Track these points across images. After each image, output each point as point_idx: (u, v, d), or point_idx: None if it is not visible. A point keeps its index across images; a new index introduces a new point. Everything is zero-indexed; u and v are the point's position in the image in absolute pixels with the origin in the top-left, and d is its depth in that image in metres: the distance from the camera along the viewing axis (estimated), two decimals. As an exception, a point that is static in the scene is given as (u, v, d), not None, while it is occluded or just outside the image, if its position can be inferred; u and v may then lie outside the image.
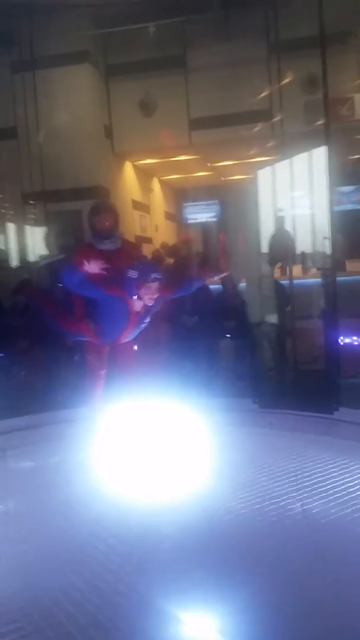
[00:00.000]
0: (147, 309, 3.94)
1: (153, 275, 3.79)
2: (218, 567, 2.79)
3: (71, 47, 8.17)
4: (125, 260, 4.21)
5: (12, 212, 7.90)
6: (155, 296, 3.81)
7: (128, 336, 4.09)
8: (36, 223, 7.57)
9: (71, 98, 8.22)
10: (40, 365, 5.94)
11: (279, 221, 6.40)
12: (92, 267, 3.67)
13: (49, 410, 4.96)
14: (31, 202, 7.44)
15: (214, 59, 8.31)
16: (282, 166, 5.86)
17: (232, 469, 3.90)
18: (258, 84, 8.04)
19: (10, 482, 4.04)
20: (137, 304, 3.85)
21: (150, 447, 4.06)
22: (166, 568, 2.77)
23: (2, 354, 5.97)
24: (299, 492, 3.51)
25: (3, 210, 7.75)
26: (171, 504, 3.44)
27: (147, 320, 4.03)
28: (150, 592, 2.56)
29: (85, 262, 3.66)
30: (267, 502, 3.40)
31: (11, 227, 7.91)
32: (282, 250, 6.19)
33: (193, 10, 8.02)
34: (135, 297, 3.81)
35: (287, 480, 3.69)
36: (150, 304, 3.86)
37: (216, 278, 4.53)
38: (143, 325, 4.04)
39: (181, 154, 9.99)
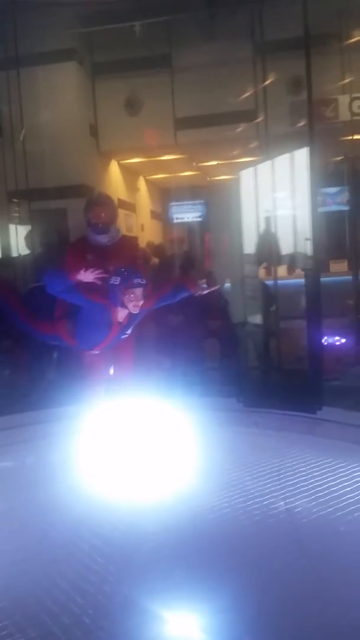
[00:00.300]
0: (130, 320, 3.83)
1: (136, 280, 3.68)
2: (202, 566, 2.80)
3: (56, 44, 8.10)
4: (121, 256, 4.10)
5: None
6: (140, 303, 3.70)
7: (107, 346, 3.96)
8: (20, 221, 7.51)
9: (56, 96, 8.16)
10: (23, 364, 5.90)
11: (267, 222, 6.39)
12: (87, 276, 3.51)
13: (32, 410, 4.93)
14: (15, 200, 7.38)
15: (200, 59, 8.30)
16: (265, 167, 5.87)
17: (217, 468, 3.92)
18: (243, 84, 8.05)
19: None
20: (121, 313, 3.76)
21: (135, 446, 4.07)
22: (150, 568, 2.77)
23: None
24: (282, 492, 3.54)
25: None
26: (155, 504, 3.45)
27: (129, 331, 3.91)
28: (134, 592, 2.57)
29: (80, 271, 3.50)
30: (251, 502, 3.43)
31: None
32: (267, 251, 6.20)
33: (179, 9, 8.01)
34: (119, 307, 3.71)
35: (270, 479, 3.72)
36: (135, 312, 3.74)
37: (205, 292, 4.25)
38: (124, 337, 3.92)
39: (167, 154, 9.98)
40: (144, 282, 3.71)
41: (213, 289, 4.42)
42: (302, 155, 5.41)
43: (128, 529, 3.12)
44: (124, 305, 3.70)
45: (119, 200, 10.28)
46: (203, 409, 4.83)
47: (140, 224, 11.61)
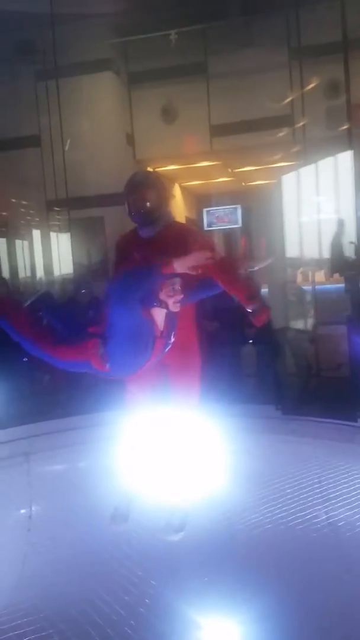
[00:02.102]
0: (169, 325, 2.89)
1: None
2: (243, 580, 2.77)
3: (93, 55, 8.25)
4: (171, 248, 3.02)
5: (37, 219, 7.98)
6: (181, 297, 2.80)
7: (150, 366, 2.93)
8: (60, 230, 7.64)
9: (93, 106, 8.29)
10: (63, 371, 5.96)
11: (339, 224, 6.19)
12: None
13: (73, 415, 4.97)
14: (56, 208, 7.49)
15: (235, 65, 8.31)
16: (307, 171, 5.82)
17: (256, 478, 3.87)
18: (280, 89, 8.01)
19: (33, 487, 4.06)
20: (160, 318, 2.83)
21: (174, 455, 4.04)
22: (190, 581, 2.76)
23: (26, 359, 6.00)
24: (324, 504, 3.47)
25: (28, 217, 7.84)
26: (194, 516, 3.42)
27: (172, 341, 2.93)
28: (175, 604, 2.56)
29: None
30: (292, 515, 3.38)
31: (36, 234, 8.02)
32: (340, 255, 5.99)
33: (214, 16, 8.04)
34: (156, 305, 2.78)
35: (311, 490, 3.65)
36: (176, 309, 2.82)
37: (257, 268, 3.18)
38: (167, 348, 2.94)
39: (202, 160, 10.00)
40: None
41: (265, 263, 3.28)
42: (343, 159, 5.34)
43: (168, 542, 3.10)
44: (162, 305, 2.78)
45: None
46: (240, 416, 4.77)
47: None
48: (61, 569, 2.94)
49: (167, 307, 2.77)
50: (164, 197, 3.24)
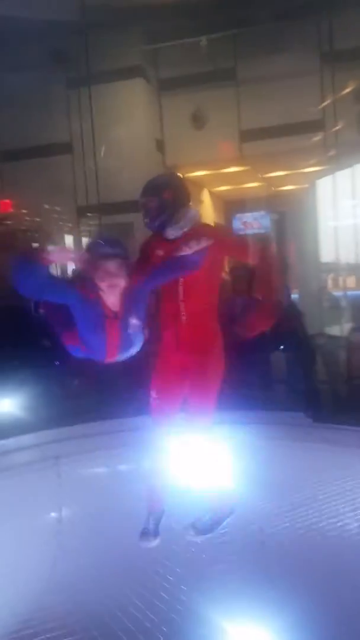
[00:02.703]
0: (126, 308, 2.75)
1: (104, 250, 2.67)
2: (274, 586, 2.74)
3: (124, 62, 8.32)
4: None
5: (69, 225, 8.08)
6: (117, 281, 2.66)
7: (117, 350, 2.84)
8: (91, 235, 7.72)
9: (124, 112, 8.37)
10: (93, 374, 6.01)
11: None
12: (60, 255, 2.84)
13: (103, 419, 5.00)
14: (89, 214, 7.57)
15: (265, 71, 8.30)
16: (341, 175, 5.77)
17: (286, 485, 3.84)
18: (311, 94, 7.97)
19: (63, 490, 4.09)
20: (109, 300, 2.71)
21: (203, 461, 4.03)
22: (222, 588, 2.74)
23: (58, 362, 6.06)
24: (355, 512, 3.41)
25: (61, 223, 7.95)
26: (224, 524, 3.40)
27: (136, 323, 2.79)
28: (206, 611, 2.54)
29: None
30: (324, 522, 3.33)
31: (68, 239, 8.12)
32: None
33: (244, 22, 8.04)
34: (93, 288, 2.70)
35: (343, 499, 3.60)
36: (112, 293, 2.71)
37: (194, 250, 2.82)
38: (132, 331, 2.79)
39: (232, 166, 9.99)
40: (118, 251, 2.69)
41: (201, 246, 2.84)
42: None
43: (199, 548, 3.09)
44: (97, 288, 2.69)
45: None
46: (270, 423, 4.74)
47: (205, 236, 11.64)
48: (92, 574, 2.95)
49: (101, 290, 2.68)
50: (174, 201, 3.06)
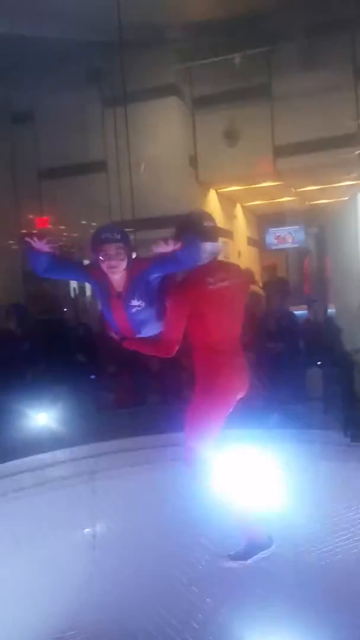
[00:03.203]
0: (131, 288, 3.02)
1: (104, 235, 2.94)
2: (313, 611, 2.67)
3: (158, 81, 8.45)
4: None
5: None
6: (116, 263, 2.93)
7: (126, 327, 3.11)
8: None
9: (158, 130, 8.48)
10: (128, 389, 6.03)
11: None
12: (41, 245, 2.94)
13: (138, 435, 4.99)
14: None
15: (299, 87, 8.30)
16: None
17: (324, 506, 3.75)
18: (345, 109, 7.94)
19: (98, 506, 4.09)
20: (113, 281, 3.01)
21: (240, 480, 3.97)
22: (261, 610, 2.68)
23: (94, 376, 6.11)
24: None
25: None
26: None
27: (136, 302, 3.03)
28: (244, 634, 2.49)
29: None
30: (365, 545, 3.23)
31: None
32: None
33: (278, 39, 8.08)
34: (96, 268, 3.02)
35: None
36: (113, 274, 2.98)
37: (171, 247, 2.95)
38: (135, 310, 3.04)
39: (265, 181, 10.00)
40: (117, 237, 2.95)
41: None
42: None
43: (237, 569, 3.03)
44: (100, 267, 2.99)
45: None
46: (306, 442, 4.65)
47: (237, 251, 11.64)
48: (127, 591, 2.93)
49: (102, 269, 2.95)
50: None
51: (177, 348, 3.07)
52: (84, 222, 8.32)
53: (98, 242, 2.94)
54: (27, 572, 3.32)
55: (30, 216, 9.10)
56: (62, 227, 8.97)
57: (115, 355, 6.24)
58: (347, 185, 9.35)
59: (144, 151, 8.06)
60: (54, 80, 8.37)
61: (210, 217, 3.35)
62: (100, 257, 2.91)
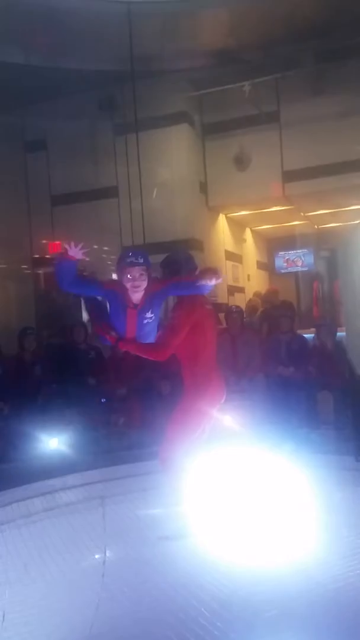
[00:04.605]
0: (146, 302, 3.44)
1: (129, 259, 3.37)
2: (327, 636, 2.63)
3: (170, 109, 8.59)
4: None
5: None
6: (139, 283, 3.36)
7: (134, 335, 3.54)
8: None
9: (169, 157, 8.61)
10: (137, 414, 6.04)
11: None
12: (75, 251, 3.31)
13: (147, 460, 4.98)
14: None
15: (308, 113, 8.41)
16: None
17: (334, 532, 3.71)
18: (353, 134, 8.01)
19: (108, 532, 4.06)
20: (132, 296, 3.42)
21: (251, 506, 3.95)
22: (272, 636, 2.65)
23: (104, 400, 6.13)
24: None
25: (109, 262, 8.16)
26: (273, 570, 3.31)
27: (150, 315, 3.47)
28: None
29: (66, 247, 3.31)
30: (377, 571, 3.19)
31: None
32: None
33: (287, 66, 8.22)
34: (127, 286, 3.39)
35: None
36: (136, 293, 3.40)
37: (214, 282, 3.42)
38: (147, 321, 3.49)
39: (274, 206, 10.08)
40: (141, 261, 3.37)
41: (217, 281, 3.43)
42: None
43: (247, 596, 3.01)
44: (125, 286, 3.41)
45: (226, 251, 10.47)
46: (317, 467, 4.62)
47: (247, 275, 11.68)
48: (137, 618, 2.90)
49: (126, 287, 3.41)
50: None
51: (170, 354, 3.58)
52: (95, 246, 8.42)
53: (124, 264, 3.38)
54: (36, 597, 3.30)
55: (43, 241, 9.22)
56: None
57: (126, 379, 6.28)
58: (356, 209, 9.40)
59: (155, 177, 8.17)
60: (67, 109, 8.55)
61: (190, 257, 3.87)
62: (127, 277, 3.35)
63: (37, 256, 9.42)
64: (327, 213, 10.87)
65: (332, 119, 8.23)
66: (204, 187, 9.39)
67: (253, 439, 4.59)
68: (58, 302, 8.98)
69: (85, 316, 8.46)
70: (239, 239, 11.45)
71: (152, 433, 5.72)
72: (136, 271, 3.36)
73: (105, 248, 8.67)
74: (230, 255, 10.66)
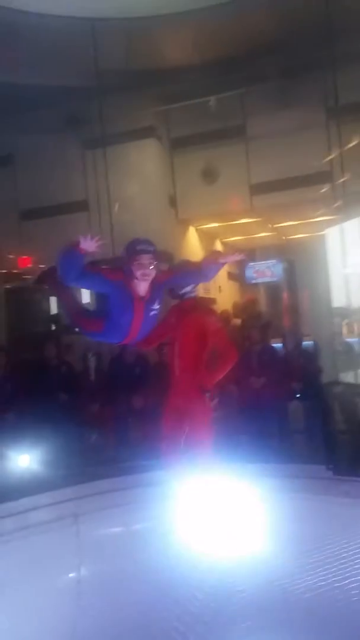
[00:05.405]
0: (153, 293, 3.42)
1: (139, 247, 3.33)
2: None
3: (137, 124, 8.64)
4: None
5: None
6: (148, 271, 3.31)
7: (138, 328, 3.50)
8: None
9: (138, 171, 8.65)
10: (110, 428, 6.01)
11: None
12: (89, 244, 3.14)
13: (120, 476, 4.96)
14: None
15: (274, 126, 8.55)
16: (351, 224, 5.89)
17: (307, 541, 3.76)
18: (318, 147, 8.17)
19: (82, 550, 4.04)
20: (138, 287, 3.35)
21: (221, 517, 3.97)
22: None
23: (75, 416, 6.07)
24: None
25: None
26: (246, 578, 3.34)
27: (156, 306, 3.46)
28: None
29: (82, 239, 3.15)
30: (348, 580, 3.24)
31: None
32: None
33: (252, 81, 8.35)
34: (132, 278, 3.33)
35: (368, 555, 3.51)
36: (145, 281, 3.34)
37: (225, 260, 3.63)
38: (152, 313, 3.46)
39: (243, 218, 10.20)
40: (151, 248, 3.35)
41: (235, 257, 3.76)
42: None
43: (219, 607, 3.03)
44: (133, 275, 3.31)
45: (197, 264, 10.55)
46: (289, 476, 4.66)
47: (218, 286, 11.77)
48: (112, 634, 2.89)
49: (136, 277, 3.32)
50: None
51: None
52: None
53: (134, 252, 3.31)
54: (11, 618, 3.26)
55: (11, 256, 9.15)
56: (42, 266, 9.04)
57: (98, 394, 6.27)
58: (322, 220, 9.57)
59: (124, 191, 8.20)
60: (34, 124, 8.54)
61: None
62: (137, 265, 3.28)
63: (4, 271, 9.33)
64: (293, 224, 11.06)
65: (297, 133, 8.39)
66: (173, 201, 9.46)
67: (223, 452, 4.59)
68: (29, 317, 8.91)
69: (59, 312, 8.44)
70: (209, 251, 11.53)
71: (126, 448, 5.73)
72: (146, 259, 3.30)
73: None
74: (181, 263, 10.74)
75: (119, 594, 3.44)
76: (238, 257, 3.77)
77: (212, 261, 3.55)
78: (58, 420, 5.84)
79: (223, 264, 3.56)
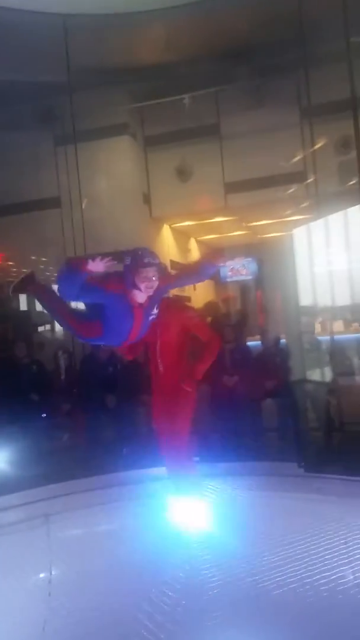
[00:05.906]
0: (151, 300, 3.51)
1: (146, 260, 3.38)
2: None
3: (111, 120, 8.59)
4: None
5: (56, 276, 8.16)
6: (153, 283, 3.38)
7: (138, 333, 3.62)
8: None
9: (111, 168, 8.60)
10: (82, 428, 5.97)
11: None
12: (97, 265, 3.18)
13: (91, 475, 4.92)
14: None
15: (247, 126, 8.58)
16: (319, 224, 5.95)
17: (279, 537, 3.78)
18: (291, 147, 8.24)
19: (53, 550, 4.00)
20: (138, 296, 3.43)
21: (192, 514, 3.97)
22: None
23: (45, 414, 6.02)
24: (351, 565, 3.36)
25: (47, 274, 8.06)
26: (217, 575, 3.35)
27: (155, 312, 3.57)
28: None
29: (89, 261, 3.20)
30: (318, 575, 3.27)
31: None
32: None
33: (226, 80, 8.38)
34: (135, 290, 3.39)
35: (337, 552, 3.54)
36: (149, 293, 3.43)
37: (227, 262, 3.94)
38: (151, 318, 3.58)
39: (217, 216, 10.22)
40: (156, 261, 3.44)
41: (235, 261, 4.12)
42: (354, 213, 5.43)
43: (190, 603, 3.02)
44: (136, 287, 3.37)
45: (171, 261, 10.53)
46: (261, 474, 4.69)
47: (193, 285, 11.77)
48: (82, 633, 2.87)
49: (140, 289, 3.39)
50: None
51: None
52: (33, 257, 8.34)
53: (140, 265, 3.35)
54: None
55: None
56: (11, 263, 8.93)
57: (69, 393, 6.21)
58: (294, 220, 9.65)
59: (97, 188, 8.15)
60: (6, 120, 8.42)
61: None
62: (143, 277, 3.33)
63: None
64: (267, 223, 11.13)
65: (270, 132, 8.43)
66: (147, 198, 9.43)
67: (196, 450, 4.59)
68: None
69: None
70: (184, 249, 11.53)
71: (97, 448, 5.69)
72: (152, 272, 3.37)
73: (44, 259, 8.59)
74: (175, 265, 10.71)
75: (89, 594, 3.41)
76: (238, 260, 3.88)
77: (210, 262, 3.63)
78: (29, 419, 5.78)
79: (220, 265, 3.70)
